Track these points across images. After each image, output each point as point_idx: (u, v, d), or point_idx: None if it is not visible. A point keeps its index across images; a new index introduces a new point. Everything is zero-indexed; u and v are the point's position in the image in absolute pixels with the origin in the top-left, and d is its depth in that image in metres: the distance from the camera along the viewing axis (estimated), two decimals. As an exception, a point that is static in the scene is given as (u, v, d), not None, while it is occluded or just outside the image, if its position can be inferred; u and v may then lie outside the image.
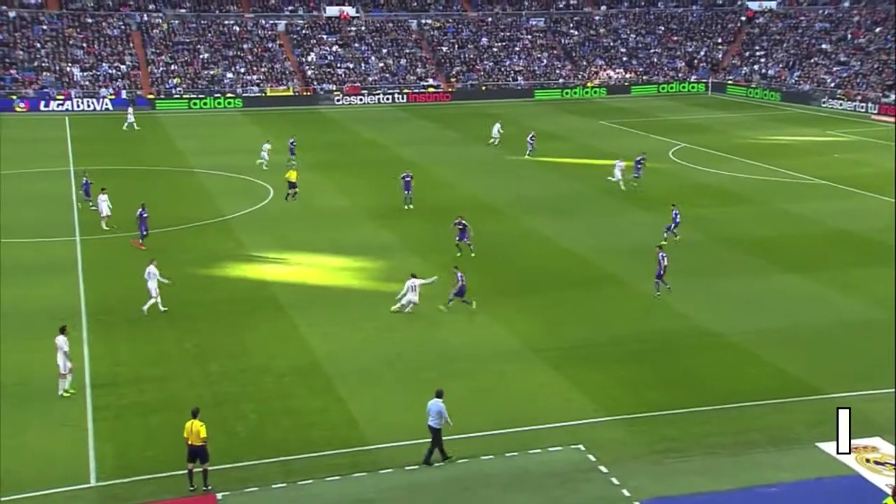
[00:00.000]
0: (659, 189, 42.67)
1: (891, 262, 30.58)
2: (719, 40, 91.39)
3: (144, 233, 32.88)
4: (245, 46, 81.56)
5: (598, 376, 22.28)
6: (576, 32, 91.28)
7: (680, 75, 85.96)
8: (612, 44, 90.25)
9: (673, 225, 33.73)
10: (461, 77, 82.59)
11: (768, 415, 20.17)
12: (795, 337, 24.50)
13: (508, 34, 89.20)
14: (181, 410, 19.12)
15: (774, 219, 36.89)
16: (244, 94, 75.36)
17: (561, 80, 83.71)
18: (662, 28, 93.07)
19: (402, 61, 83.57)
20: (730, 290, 28.45)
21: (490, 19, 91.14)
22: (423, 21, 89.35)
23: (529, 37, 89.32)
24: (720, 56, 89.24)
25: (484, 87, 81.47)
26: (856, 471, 17.64)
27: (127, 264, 30.11)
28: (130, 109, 63.35)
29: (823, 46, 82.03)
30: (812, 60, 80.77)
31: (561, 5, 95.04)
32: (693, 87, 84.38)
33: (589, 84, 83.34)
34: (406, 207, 38.59)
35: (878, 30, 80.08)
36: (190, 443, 17.26)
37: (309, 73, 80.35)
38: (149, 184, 43.34)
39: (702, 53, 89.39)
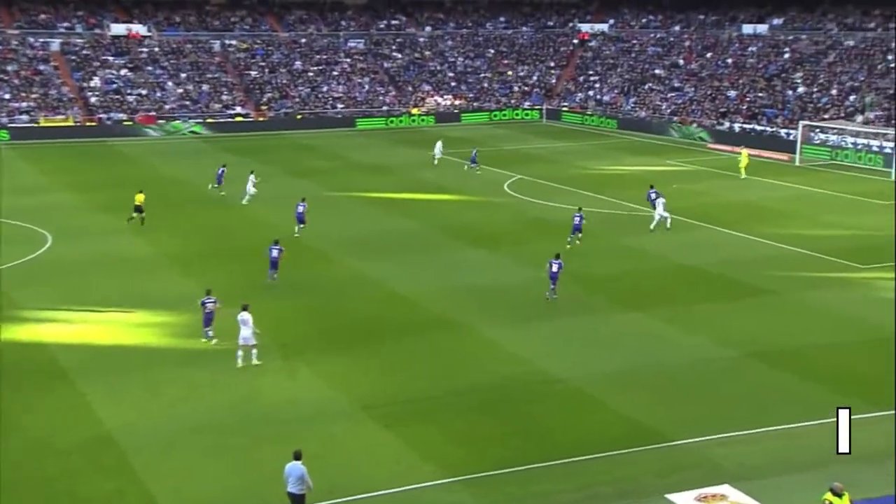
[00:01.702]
0: (494, 225, 44.00)
1: (734, 296, 32.93)
2: (552, 64, 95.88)
3: None
4: (10, 69, 77.58)
5: (435, 433, 22.51)
6: (399, 55, 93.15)
7: (513, 101, 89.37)
8: (438, 67, 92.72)
9: (574, 230, 38.49)
10: (273, 105, 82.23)
11: (615, 466, 21.00)
12: (640, 380, 25.74)
13: (325, 57, 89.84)
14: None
15: (614, 254, 38.82)
16: (11, 125, 71.56)
17: (385, 108, 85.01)
18: (492, 51, 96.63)
19: (205, 87, 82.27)
20: (570, 331, 29.59)
21: (304, 40, 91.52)
22: (228, 42, 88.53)
23: (349, 60, 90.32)
24: (553, 81, 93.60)
25: (299, 116, 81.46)
26: (705, 520, 18.66)
27: None
28: None
29: (657, 72, 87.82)
30: (647, 86, 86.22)
31: (381, 26, 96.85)
32: (527, 115, 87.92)
33: (415, 111, 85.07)
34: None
35: (708, 55, 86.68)
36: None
37: (93, 100, 77.48)
38: None
39: (534, 78, 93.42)
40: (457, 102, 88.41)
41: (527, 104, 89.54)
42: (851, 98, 70.28)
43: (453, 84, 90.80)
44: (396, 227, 43.74)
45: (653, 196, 45.24)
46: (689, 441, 21.89)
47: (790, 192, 52.78)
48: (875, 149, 62.02)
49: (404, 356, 27.45)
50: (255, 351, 26.28)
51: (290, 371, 26.19)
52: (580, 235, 39.44)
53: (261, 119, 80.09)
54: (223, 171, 51.13)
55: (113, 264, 36.68)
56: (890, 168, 57.68)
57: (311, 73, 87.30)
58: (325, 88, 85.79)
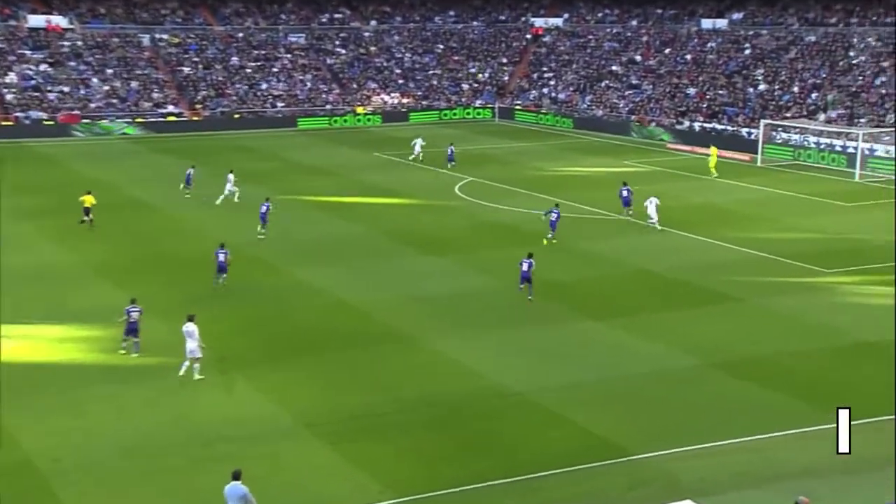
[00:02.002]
0: (445, 230, 44.13)
1: (696, 303, 33.42)
2: (504, 60, 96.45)
3: None
4: None
5: (383, 451, 22.50)
6: (343, 51, 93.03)
7: (464, 100, 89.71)
8: (385, 64, 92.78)
9: (552, 226, 40.37)
10: (208, 103, 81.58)
11: (574, 483, 21.15)
12: (599, 392, 25.98)
13: (264, 52, 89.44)
14: None
15: (572, 260, 39.17)
16: None
17: (328, 106, 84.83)
18: (442, 46, 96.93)
19: (134, 84, 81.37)
20: (527, 341, 29.76)
21: (241, 35, 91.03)
22: (158, 36, 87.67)
23: (289, 56, 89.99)
24: (506, 78, 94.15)
25: (237, 115, 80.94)
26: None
27: None
28: None
29: (614, 68, 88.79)
30: (603, 84, 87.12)
31: (324, 19, 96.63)
32: (479, 114, 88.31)
33: (360, 110, 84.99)
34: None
35: (667, 51, 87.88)
36: None
37: (8, 97, 76.15)
38: None
39: (486, 75, 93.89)
40: (404, 101, 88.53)
41: (478, 103, 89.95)
42: (814, 96, 71.72)
43: (400, 81, 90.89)
44: (342, 232, 43.66)
45: (624, 193, 46.56)
46: (650, 455, 22.15)
47: (752, 194, 53.68)
48: (838, 149, 63.34)
49: (350, 369, 27.39)
50: (197, 365, 26.06)
51: (229, 386, 26.00)
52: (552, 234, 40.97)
53: (195, 119, 79.40)
54: (192, 173, 51.58)
55: (36, 275, 36.09)
56: (853, 168, 58.96)
57: (248, 70, 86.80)
58: (264, 86, 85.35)
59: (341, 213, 47.67)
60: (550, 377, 26.89)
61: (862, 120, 66.05)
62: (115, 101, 78.83)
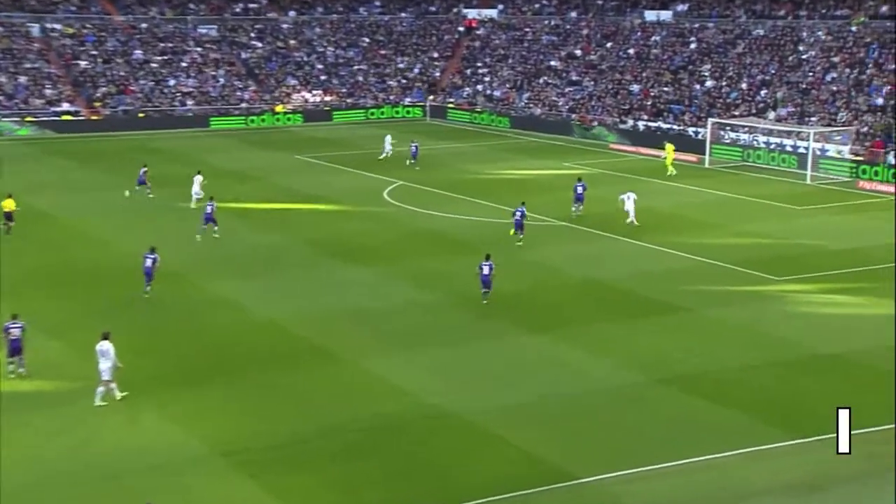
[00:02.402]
0: (373, 238, 44.07)
1: (642, 314, 33.83)
2: (435, 55, 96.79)
3: None
4: None
5: (307, 481, 22.34)
6: (259, 44, 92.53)
7: (392, 98, 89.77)
8: (305, 59, 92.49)
9: (516, 226, 42.28)
10: (109, 101, 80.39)
11: (516, 509, 21.30)
12: (540, 411, 26.14)
13: (171, 45, 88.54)
14: None
15: (510, 269, 39.27)
16: None
17: (244, 105, 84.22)
18: (367, 40, 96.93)
19: (22, 79, 79.88)
20: (462, 358, 29.81)
21: (145, 25, 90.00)
22: (50, 26, 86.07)
23: (199, 49, 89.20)
24: (438, 74, 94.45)
25: (142, 114, 79.90)
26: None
27: None
28: None
29: (553, 63, 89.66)
30: (542, 80, 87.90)
31: (237, 10, 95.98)
32: (408, 112, 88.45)
33: (280, 109, 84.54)
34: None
35: (609, 45, 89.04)
36: None
37: None
38: None
39: (416, 71, 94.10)
40: (328, 99, 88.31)
41: (408, 100, 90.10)
42: (763, 93, 73.26)
43: (323, 78, 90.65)
44: (260, 242, 43.33)
45: (579, 190, 48.11)
46: (595, 478, 22.32)
47: (700, 198, 54.59)
48: (789, 149, 64.77)
49: (271, 392, 27.17)
50: (114, 385, 25.62)
51: (135, 412, 25.56)
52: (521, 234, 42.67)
53: (94, 118, 78.21)
54: (145, 172, 52.40)
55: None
56: (805, 170, 60.31)
57: (154, 65, 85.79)
58: (171, 82, 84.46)
59: (260, 221, 47.32)
60: (487, 396, 26.97)
61: (813, 118, 67.64)
62: (0, 97, 77.22)
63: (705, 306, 34.77)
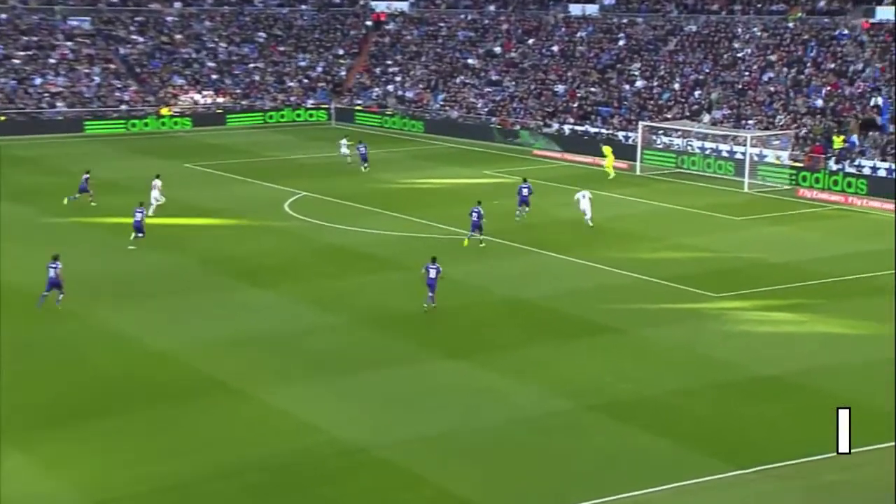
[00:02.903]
0: (273, 256, 43.89)
1: (571, 335, 34.28)
2: (341, 52, 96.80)
3: None
4: None
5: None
6: (140, 39, 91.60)
7: (293, 99, 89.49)
8: (194, 55, 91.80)
9: (473, 227, 43.91)
10: (-34, 103, 78.76)
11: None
12: (461, 445, 26.25)
13: (37, 39, 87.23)
14: None
15: (425, 287, 39.52)
16: None
17: (124, 107, 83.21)
18: (264, 35, 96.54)
19: None
20: (374, 387, 29.80)
21: (4, 16, 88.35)
22: None
23: (70, 44, 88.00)
24: (343, 73, 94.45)
25: (3, 118, 78.32)
26: None
27: None
28: None
29: (470, 61, 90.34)
30: (458, 80, 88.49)
31: (114, 0, 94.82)
32: (311, 115, 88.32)
33: (165, 112, 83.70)
34: None
35: (531, 41, 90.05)
36: None
37: None
38: None
39: (319, 69, 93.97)
40: (220, 100, 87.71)
41: (310, 102, 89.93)
42: (696, 94, 74.78)
43: (214, 77, 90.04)
44: (147, 262, 42.82)
45: (524, 192, 49.56)
46: (522, 518, 22.56)
47: (632, 209, 55.48)
48: (725, 154, 66.19)
49: (159, 430, 26.85)
50: None
51: None
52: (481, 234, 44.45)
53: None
54: (87, 178, 52.74)
55: None
56: (742, 178, 61.67)
57: (16, 61, 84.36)
58: (38, 81, 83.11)
59: (148, 238, 46.68)
60: (402, 429, 27.04)
61: (750, 121, 69.22)
62: None
63: (639, 326, 35.33)
